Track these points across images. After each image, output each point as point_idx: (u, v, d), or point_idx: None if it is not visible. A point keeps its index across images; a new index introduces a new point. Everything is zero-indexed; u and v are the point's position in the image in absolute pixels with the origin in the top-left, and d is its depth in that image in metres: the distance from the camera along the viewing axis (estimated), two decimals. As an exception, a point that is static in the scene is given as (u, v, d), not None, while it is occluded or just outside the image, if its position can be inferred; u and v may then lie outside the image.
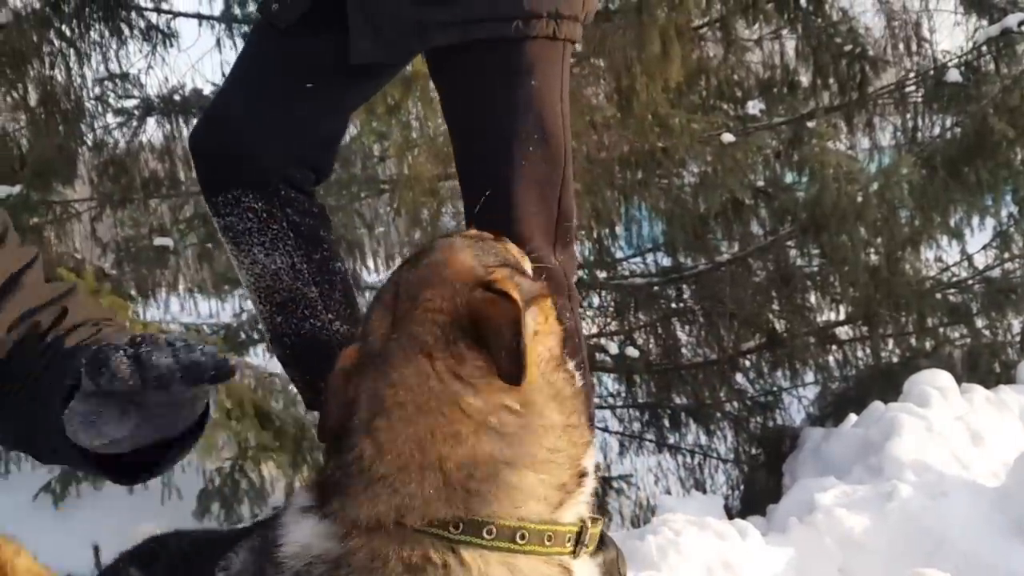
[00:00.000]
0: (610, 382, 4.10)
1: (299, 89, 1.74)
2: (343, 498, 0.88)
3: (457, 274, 0.91)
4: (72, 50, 3.77)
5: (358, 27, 1.66)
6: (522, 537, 0.86)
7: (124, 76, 3.89)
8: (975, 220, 3.86)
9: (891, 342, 3.99)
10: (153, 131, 3.98)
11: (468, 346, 0.86)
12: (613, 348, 4.02)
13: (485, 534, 0.84)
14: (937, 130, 3.97)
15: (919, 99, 4.00)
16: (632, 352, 4.00)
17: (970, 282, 3.99)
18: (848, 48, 3.86)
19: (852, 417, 3.27)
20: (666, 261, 4.15)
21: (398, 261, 4.69)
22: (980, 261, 4.03)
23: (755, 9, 3.78)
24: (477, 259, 0.95)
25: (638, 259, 4.22)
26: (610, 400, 4.10)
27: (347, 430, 0.88)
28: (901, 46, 4.12)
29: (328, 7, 1.70)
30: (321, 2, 1.71)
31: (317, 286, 1.79)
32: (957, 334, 3.96)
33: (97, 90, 3.90)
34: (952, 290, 3.97)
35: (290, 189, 1.79)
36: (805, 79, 3.98)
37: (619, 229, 4.08)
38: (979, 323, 3.93)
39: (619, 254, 4.20)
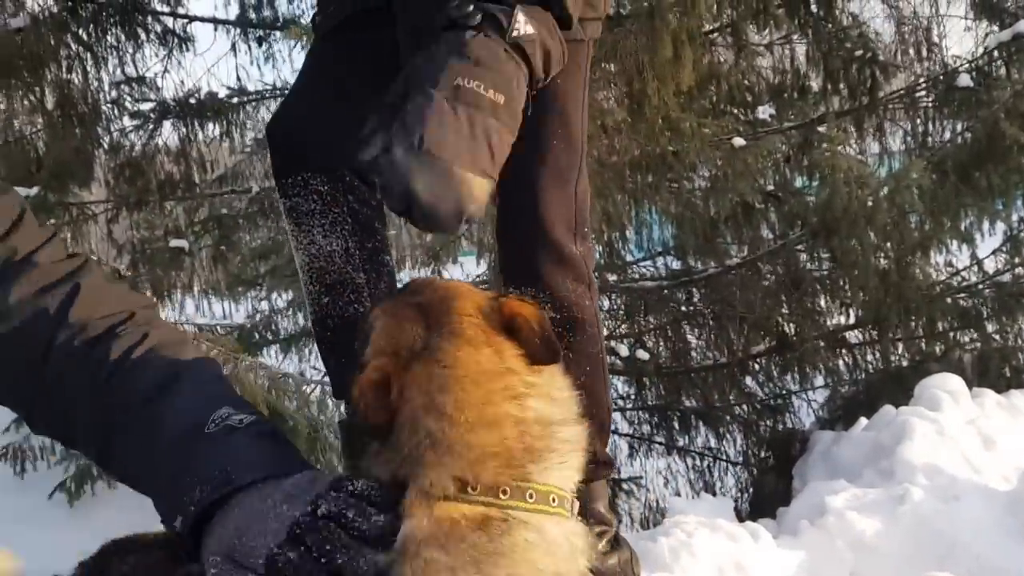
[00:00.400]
0: (620, 384, 4.10)
1: (349, 86, 1.83)
2: (418, 470, 0.92)
3: (472, 292, 1.05)
4: (89, 54, 3.80)
5: (409, 48, 1.73)
6: (554, 500, 0.93)
7: (140, 80, 3.93)
8: (985, 225, 3.85)
9: (901, 346, 3.98)
10: (169, 134, 4.03)
11: (504, 339, 0.99)
12: (623, 350, 4.02)
13: (527, 498, 0.91)
14: (948, 135, 3.96)
15: (930, 104, 4.00)
16: (642, 355, 4.01)
17: (980, 286, 3.98)
18: (859, 53, 3.85)
19: (862, 421, 3.27)
20: (676, 264, 4.16)
21: (409, 264, 4.73)
22: (990, 266, 4.02)
23: (766, 14, 3.78)
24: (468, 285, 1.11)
25: (648, 262, 4.23)
26: (620, 402, 4.11)
27: (402, 421, 0.94)
28: (911, 51, 4.13)
29: (361, 17, 1.80)
30: (353, 14, 1.81)
31: (365, 273, 1.87)
32: (967, 338, 3.94)
33: (113, 93, 3.94)
34: (962, 294, 3.96)
35: (355, 177, 1.88)
36: (816, 84, 3.99)
37: (629, 232, 4.09)
38: (989, 327, 3.91)
39: (629, 257, 4.21)
